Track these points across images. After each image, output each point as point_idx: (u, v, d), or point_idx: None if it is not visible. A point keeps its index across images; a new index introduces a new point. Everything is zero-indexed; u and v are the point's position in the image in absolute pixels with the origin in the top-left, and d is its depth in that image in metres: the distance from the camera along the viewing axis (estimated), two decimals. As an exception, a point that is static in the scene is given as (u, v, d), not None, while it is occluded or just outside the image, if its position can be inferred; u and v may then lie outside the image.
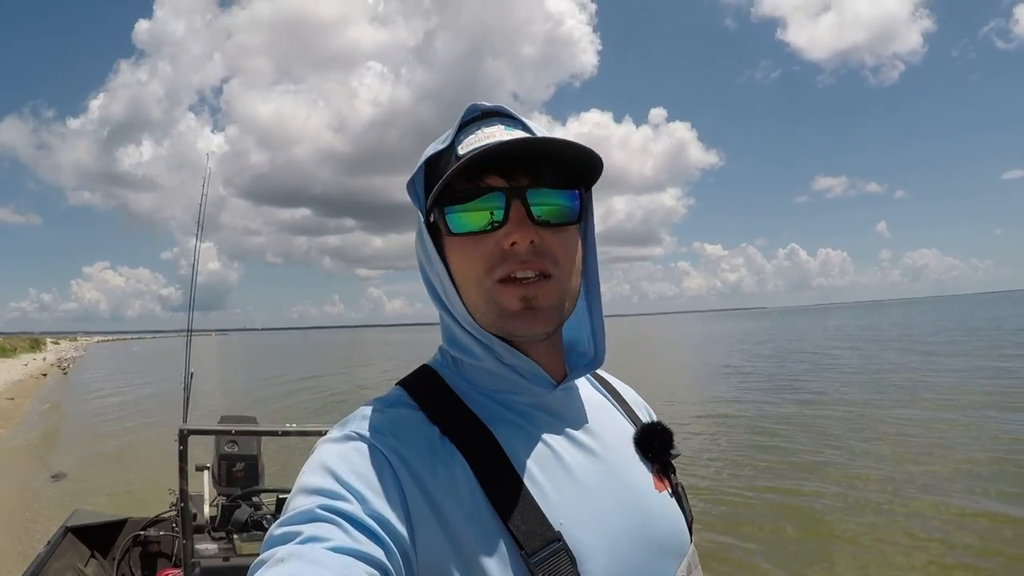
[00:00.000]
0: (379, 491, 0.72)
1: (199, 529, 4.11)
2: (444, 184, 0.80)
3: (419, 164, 0.86)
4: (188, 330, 5.00)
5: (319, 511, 0.69)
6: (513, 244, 0.79)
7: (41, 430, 17.95)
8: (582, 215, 0.86)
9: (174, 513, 4.49)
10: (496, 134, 0.82)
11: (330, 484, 0.72)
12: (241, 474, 4.82)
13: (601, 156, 0.82)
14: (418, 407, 0.84)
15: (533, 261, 0.80)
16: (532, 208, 0.80)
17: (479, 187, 0.80)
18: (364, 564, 0.65)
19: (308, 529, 0.67)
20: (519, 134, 0.83)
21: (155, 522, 4.97)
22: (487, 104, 0.88)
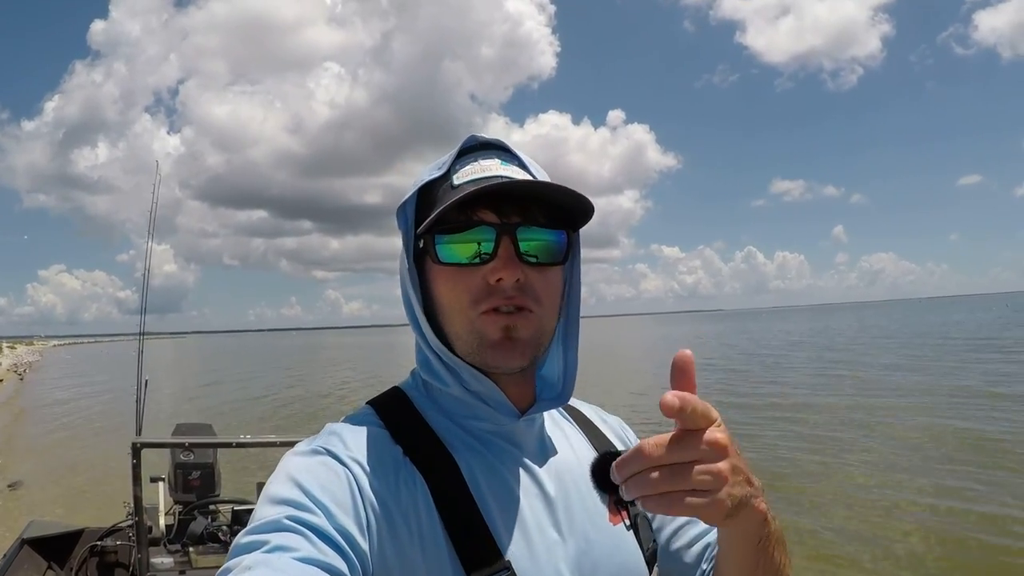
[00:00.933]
0: (343, 505, 0.75)
1: (155, 541, 4.17)
2: (441, 214, 0.82)
3: (413, 190, 0.88)
4: (140, 334, 4.90)
5: (286, 521, 0.71)
6: (499, 280, 0.82)
7: (-4, 438, 17.59)
8: (568, 256, 0.89)
9: (130, 523, 4.42)
10: (492, 168, 0.85)
11: (297, 496, 0.74)
12: (197, 482, 4.87)
13: (592, 203, 0.84)
14: (384, 427, 0.86)
15: (517, 297, 0.82)
16: (521, 245, 0.83)
17: (471, 219, 0.83)
18: (330, 572, 0.68)
19: (275, 538, 0.68)
20: (515, 169, 0.87)
21: (112, 532, 4.86)
22: (485, 136, 0.90)
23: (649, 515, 0.96)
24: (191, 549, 4.16)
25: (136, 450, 3.55)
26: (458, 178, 0.85)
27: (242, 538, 0.70)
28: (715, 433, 0.63)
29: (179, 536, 4.32)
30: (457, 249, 0.83)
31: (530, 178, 0.87)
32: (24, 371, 46.03)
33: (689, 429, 0.63)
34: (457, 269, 0.83)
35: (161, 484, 4.81)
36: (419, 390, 0.93)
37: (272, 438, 3.89)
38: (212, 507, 4.77)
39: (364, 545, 0.74)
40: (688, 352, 0.65)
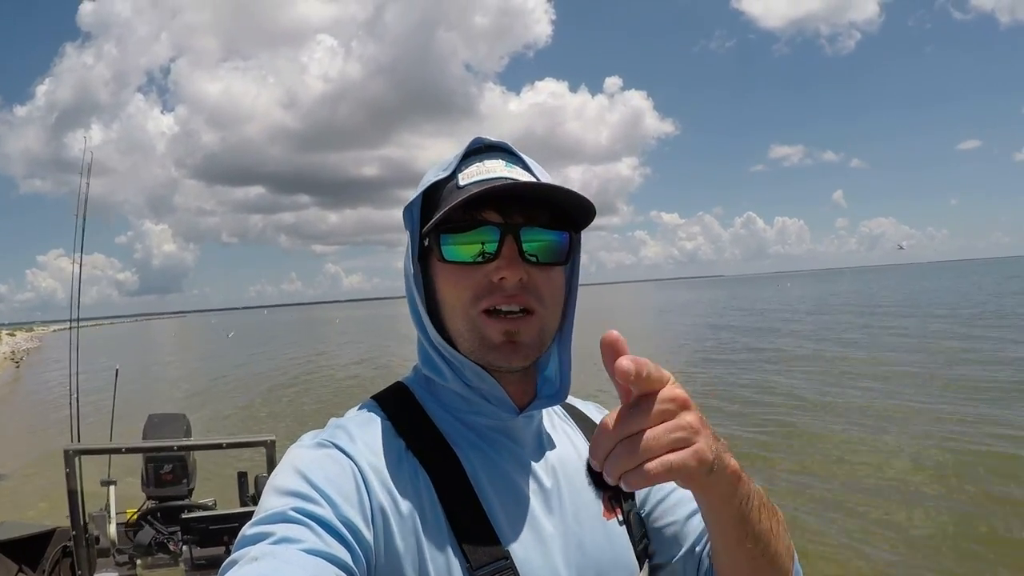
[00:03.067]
0: (348, 497, 0.76)
1: (103, 552, 3.91)
2: (447, 213, 0.84)
3: (419, 190, 0.90)
4: (71, 326, 4.59)
5: (292, 513, 0.72)
6: (502, 279, 0.84)
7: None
8: (570, 256, 0.91)
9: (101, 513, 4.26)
10: (497, 169, 0.88)
11: (303, 487, 0.75)
12: (170, 476, 4.71)
13: (594, 204, 0.86)
14: (388, 421, 0.89)
15: (519, 296, 0.85)
16: (524, 245, 0.85)
17: (475, 219, 0.85)
18: (334, 567, 0.69)
19: (280, 530, 0.70)
20: (518, 170, 0.90)
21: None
22: (491, 139, 0.93)
23: (642, 512, 0.98)
24: (139, 561, 3.92)
25: (69, 458, 3.30)
26: (463, 179, 0.87)
27: (248, 529, 0.72)
28: (673, 389, 0.64)
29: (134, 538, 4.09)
30: (461, 248, 0.85)
31: (533, 179, 0.89)
32: (21, 358, 45.82)
33: (646, 393, 0.63)
34: (461, 267, 0.86)
35: (111, 488, 4.53)
36: (421, 385, 0.95)
37: (219, 439, 3.65)
38: (184, 504, 4.53)
39: (369, 537, 0.75)
40: (615, 333, 0.63)
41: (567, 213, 0.89)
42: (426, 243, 0.89)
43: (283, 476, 0.78)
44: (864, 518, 7.30)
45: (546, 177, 0.93)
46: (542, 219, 0.87)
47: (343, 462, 0.80)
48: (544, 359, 0.95)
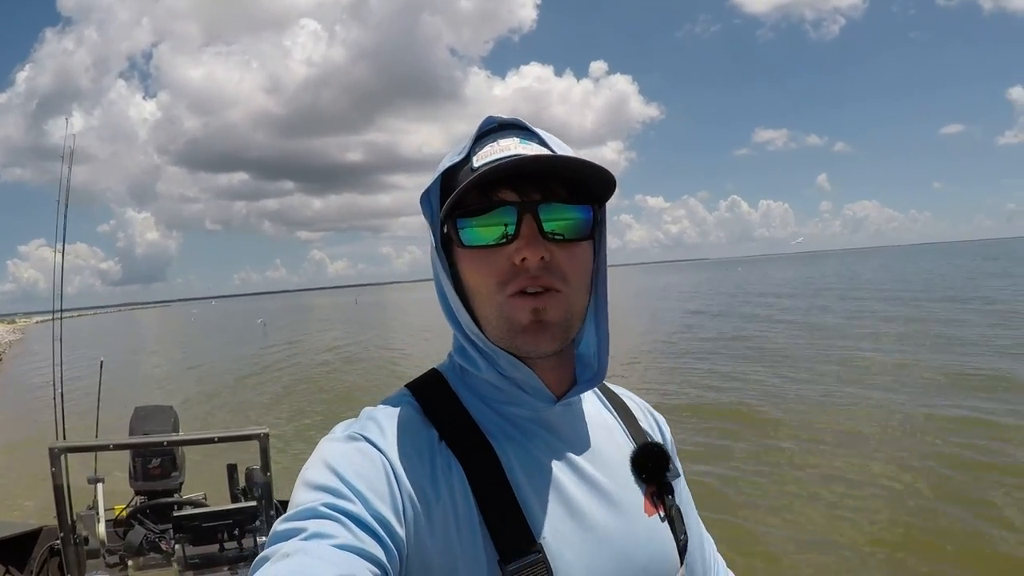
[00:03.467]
0: (379, 491, 0.75)
1: (92, 553, 3.77)
2: (458, 196, 0.81)
3: (436, 176, 0.87)
4: (53, 318, 4.42)
5: (323, 508, 0.71)
6: (524, 260, 0.80)
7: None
8: (595, 230, 0.87)
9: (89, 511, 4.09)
10: (511, 147, 0.84)
11: (334, 482, 0.74)
12: (159, 471, 4.59)
13: (613, 174, 0.82)
14: (421, 411, 0.86)
15: (543, 277, 0.81)
16: (544, 223, 0.81)
17: (492, 201, 0.82)
18: (366, 562, 0.68)
19: (312, 525, 0.69)
20: (535, 147, 0.85)
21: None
22: (504, 117, 0.89)
23: (683, 509, 0.98)
24: (130, 562, 3.75)
25: (55, 456, 3.15)
26: (477, 160, 0.84)
27: (279, 525, 0.71)
28: None
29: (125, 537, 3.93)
30: (480, 231, 0.83)
31: (546, 153, 0.85)
32: (3, 351, 45.25)
33: None
34: (482, 251, 0.83)
35: (99, 486, 4.34)
36: (455, 373, 0.92)
37: (211, 434, 3.55)
38: (174, 500, 4.40)
39: (401, 532, 0.75)
40: None
41: (587, 186, 0.85)
42: (445, 230, 0.86)
43: (313, 470, 0.77)
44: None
45: (564, 150, 0.88)
46: (561, 194, 0.83)
47: (373, 456, 0.78)
48: (580, 340, 0.93)
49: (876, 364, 14.95)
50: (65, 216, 4.78)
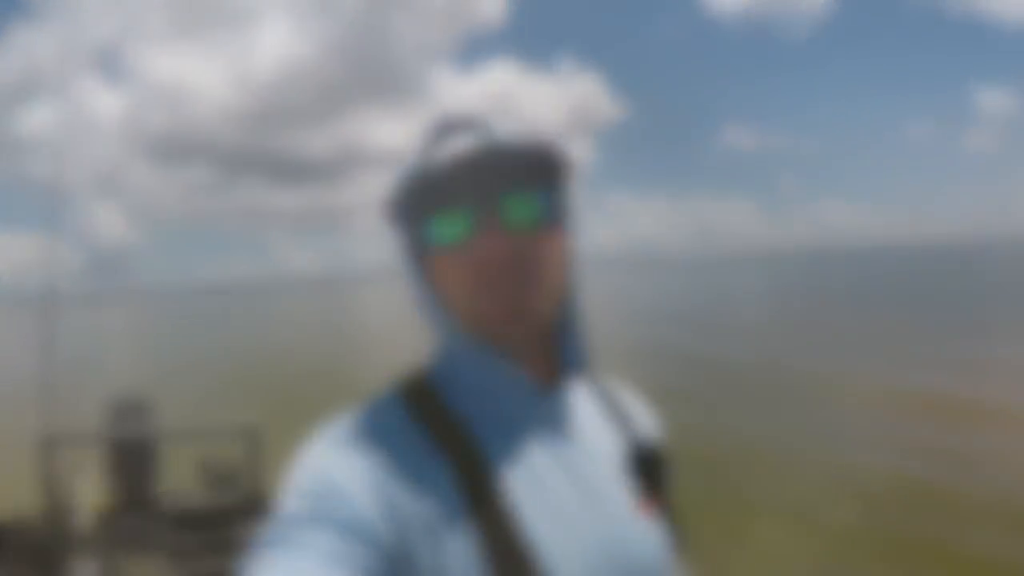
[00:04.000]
0: (368, 493, 0.75)
1: (77, 544, 3.81)
2: (416, 202, 0.84)
3: (395, 185, 0.87)
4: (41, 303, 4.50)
5: (309, 514, 0.71)
6: (488, 254, 0.81)
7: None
8: (558, 213, 0.87)
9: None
10: (465, 143, 0.82)
11: (322, 485, 0.74)
12: (138, 462, 4.51)
13: (561, 147, 0.83)
14: (408, 411, 0.86)
15: (511, 269, 0.81)
16: (504, 215, 0.81)
17: (447, 200, 0.82)
18: (354, 565, 0.68)
19: (299, 532, 0.70)
20: (489, 139, 0.83)
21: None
22: (456, 113, 0.88)
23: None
24: (114, 553, 3.80)
25: (40, 448, 3.22)
26: (432, 161, 0.82)
27: (266, 530, 0.71)
28: None
29: (110, 530, 3.99)
30: (441, 233, 0.83)
31: (494, 143, 0.82)
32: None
33: None
34: (447, 252, 0.83)
35: (82, 477, 4.37)
36: (439, 372, 0.91)
37: (196, 428, 3.59)
38: (156, 491, 4.44)
39: (388, 536, 0.73)
40: None
41: (543, 168, 0.85)
42: (412, 233, 0.87)
43: (302, 473, 0.77)
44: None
45: (521, 136, 0.84)
46: (516, 183, 0.83)
47: (361, 456, 0.78)
48: (560, 333, 0.92)
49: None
50: (48, 207, 4.86)
